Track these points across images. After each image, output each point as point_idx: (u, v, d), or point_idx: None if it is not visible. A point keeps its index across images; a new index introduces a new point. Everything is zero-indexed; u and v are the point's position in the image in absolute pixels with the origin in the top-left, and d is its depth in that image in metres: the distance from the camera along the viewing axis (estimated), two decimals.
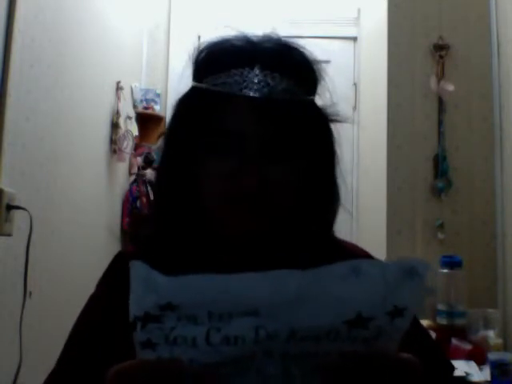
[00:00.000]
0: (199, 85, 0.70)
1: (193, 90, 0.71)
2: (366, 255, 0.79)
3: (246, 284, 0.45)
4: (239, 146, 0.66)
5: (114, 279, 0.73)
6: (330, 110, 0.73)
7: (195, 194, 0.69)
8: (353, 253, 0.77)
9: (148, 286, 0.45)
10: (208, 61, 0.71)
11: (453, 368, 0.77)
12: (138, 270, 0.46)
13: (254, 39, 0.71)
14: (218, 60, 0.69)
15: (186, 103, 0.72)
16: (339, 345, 0.44)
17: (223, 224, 0.68)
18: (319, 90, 0.73)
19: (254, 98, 0.65)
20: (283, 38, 0.72)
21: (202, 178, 0.69)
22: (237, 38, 0.71)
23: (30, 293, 1.60)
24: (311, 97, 0.72)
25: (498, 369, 1.66)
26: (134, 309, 0.45)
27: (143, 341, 0.45)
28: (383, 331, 0.45)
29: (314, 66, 0.73)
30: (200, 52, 0.73)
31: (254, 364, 0.45)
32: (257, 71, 0.67)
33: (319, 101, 0.73)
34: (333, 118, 0.73)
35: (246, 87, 0.66)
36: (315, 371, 0.45)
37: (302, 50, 0.72)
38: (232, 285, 0.45)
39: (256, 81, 0.66)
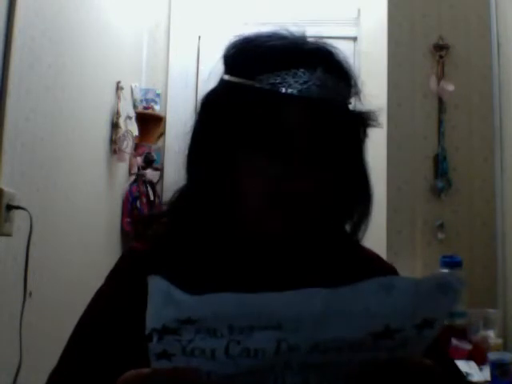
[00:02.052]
0: (254, 83, 0.66)
1: (239, 85, 0.67)
2: (378, 259, 0.81)
3: (271, 302, 0.43)
4: (292, 146, 0.65)
5: (124, 277, 0.73)
6: (371, 116, 0.73)
7: (231, 190, 0.68)
8: (369, 257, 0.79)
9: (167, 302, 0.44)
10: (263, 57, 0.67)
11: (464, 377, 0.76)
12: (157, 284, 0.45)
13: (302, 37, 0.70)
14: (275, 57, 0.67)
15: (234, 99, 0.68)
16: (362, 354, 0.44)
17: (261, 224, 0.67)
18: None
19: (313, 100, 0.64)
20: (323, 40, 0.72)
21: (244, 176, 0.67)
22: (282, 36, 0.69)
23: (30, 293, 1.60)
24: (351, 100, 0.72)
25: (498, 369, 1.67)
26: (152, 321, 0.44)
27: (159, 352, 0.44)
28: (409, 341, 0.44)
29: (354, 69, 0.73)
30: (245, 46, 0.70)
31: (272, 374, 0.44)
32: (318, 73, 0.65)
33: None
34: (371, 123, 0.73)
35: (308, 89, 0.64)
36: (335, 380, 0.45)
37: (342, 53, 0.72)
38: (255, 302, 0.43)
39: (318, 83, 0.65)
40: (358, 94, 0.72)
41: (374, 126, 0.74)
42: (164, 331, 0.43)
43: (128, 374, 0.46)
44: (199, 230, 0.70)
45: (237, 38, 0.71)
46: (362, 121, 0.72)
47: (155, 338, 0.44)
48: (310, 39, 0.70)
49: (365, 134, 0.73)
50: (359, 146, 0.72)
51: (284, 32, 0.70)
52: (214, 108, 0.71)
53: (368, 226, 0.74)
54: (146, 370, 0.44)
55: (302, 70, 0.65)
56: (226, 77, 0.70)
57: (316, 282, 0.68)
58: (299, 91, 0.64)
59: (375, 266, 0.77)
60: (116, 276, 0.75)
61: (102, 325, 0.70)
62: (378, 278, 0.44)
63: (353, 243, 0.75)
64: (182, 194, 0.74)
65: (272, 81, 0.65)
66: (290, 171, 0.64)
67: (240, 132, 0.67)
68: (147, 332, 0.44)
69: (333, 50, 0.70)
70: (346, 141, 0.68)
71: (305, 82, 0.65)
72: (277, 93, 0.65)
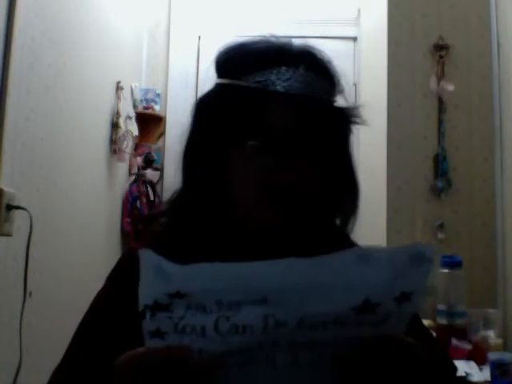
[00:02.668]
0: (241, 82, 0.70)
1: (228, 86, 0.72)
2: None
3: (255, 272, 0.45)
4: (279, 142, 0.67)
5: (124, 277, 0.73)
6: (354, 112, 0.75)
7: (226, 188, 0.70)
8: None
9: (158, 275, 0.45)
10: (249, 58, 0.71)
11: (455, 368, 0.77)
12: (148, 258, 0.46)
13: (287, 41, 0.74)
14: (260, 58, 0.71)
15: (224, 99, 0.71)
16: (347, 330, 0.44)
17: (253, 218, 0.69)
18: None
19: (297, 96, 0.67)
20: (308, 42, 0.75)
21: (237, 172, 0.70)
22: (268, 40, 0.73)
23: (30, 293, 1.60)
24: (335, 98, 0.75)
25: (498, 369, 1.66)
26: (144, 297, 0.45)
27: (152, 330, 0.45)
28: (390, 315, 0.45)
29: (337, 69, 0.76)
30: (234, 50, 0.74)
31: (262, 353, 0.45)
32: (301, 71, 0.69)
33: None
34: (356, 120, 0.75)
35: (290, 85, 0.68)
36: (323, 359, 0.45)
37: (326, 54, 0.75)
38: (240, 272, 0.45)
39: (301, 80, 0.68)
40: (342, 92, 0.75)
41: (358, 123, 0.75)
42: (156, 307, 0.45)
43: (124, 355, 0.47)
44: (197, 228, 0.72)
45: (226, 46, 0.75)
46: (345, 116, 0.74)
47: (148, 315, 0.45)
48: (295, 42, 0.74)
49: (349, 130, 0.75)
50: (343, 140, 0.74)
51: (270, 37, 0.74)
52: (205, 108, 0.74)
53: (356, 219, 0.76)
54: (140, 350, 0.46)
55: (284, 68, 0.69)
56: (217, 80, 0.74)
57: None
58: (282, 87, 0.68)
59: None
60: (116, 276, 0.76)
61: (104, 324, 0.71)
62: (355, 248, 0.46)
63: (343, 237, 0.77)
64: (180, 193, 0.76)
65: (257, 79, 0.69)
66: (276, 165, 0.67)
67: (229, 129, 0.70)
68: (140, 309, 0.45)
69: (315, 51, 0.73)
70: (329, 134, 0.70)
71: (287, 79, 0.68)
72: (261, 90, 0.68)
